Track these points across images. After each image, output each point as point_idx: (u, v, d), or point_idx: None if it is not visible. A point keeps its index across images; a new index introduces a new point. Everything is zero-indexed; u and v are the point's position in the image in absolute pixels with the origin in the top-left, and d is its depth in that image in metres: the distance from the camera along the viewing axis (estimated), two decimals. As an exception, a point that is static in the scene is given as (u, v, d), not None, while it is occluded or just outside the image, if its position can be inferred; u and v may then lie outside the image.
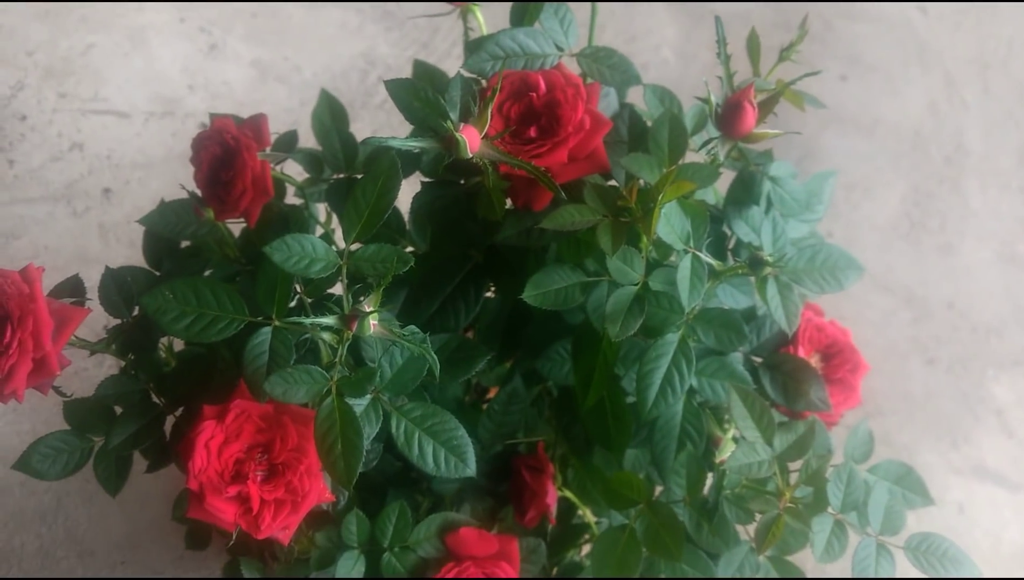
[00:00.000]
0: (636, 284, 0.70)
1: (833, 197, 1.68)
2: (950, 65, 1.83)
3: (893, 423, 1.55)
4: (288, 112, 1.60)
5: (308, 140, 0.93)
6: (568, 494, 0.89)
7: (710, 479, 0.81)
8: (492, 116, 0.66)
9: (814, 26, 1.83)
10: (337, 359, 0.63)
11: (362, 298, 0.61)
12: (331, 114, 0.97)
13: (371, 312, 0.58)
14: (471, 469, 0.67)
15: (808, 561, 0.87)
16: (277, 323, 0.68)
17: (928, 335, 1.62)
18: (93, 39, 1.63)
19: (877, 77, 1.82)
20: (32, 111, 1.56)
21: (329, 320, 0.59)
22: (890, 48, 1.84)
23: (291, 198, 0.92)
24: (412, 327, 0.64)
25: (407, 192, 0.77)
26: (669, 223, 0.67)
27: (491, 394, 1.07)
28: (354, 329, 0.58)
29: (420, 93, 0.69)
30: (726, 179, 0.80)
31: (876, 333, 1.62)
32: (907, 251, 1.68)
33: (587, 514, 0.91)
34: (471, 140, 0.62)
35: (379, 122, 1.64)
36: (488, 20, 0.86)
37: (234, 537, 0.70)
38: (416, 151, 0.79)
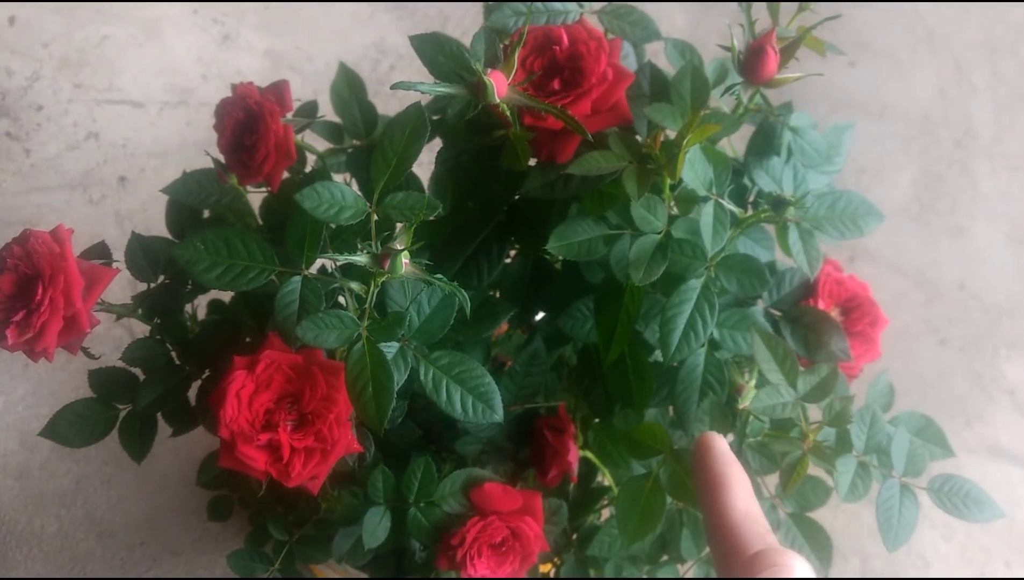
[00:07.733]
0: (659, 232, 0.70)
1: (844, 180, 1.69)
2: (958, 50, 1.84)
3: (906, 403, 1.52)
4: (301, 101, 1.62)
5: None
6: (589, 455, 0.89)
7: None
8: (516, 70, 0.67)
9: (823, 12, 1.84)
10: (368, 304, 0.63)
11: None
12: (349, 85, 0.98)
13: (403, 249, 0.59)
14: (499, 415, 0.68)
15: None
16: (307, 272, 0.69)
17: (940, 316, 1.62)
18: (108, 30, 1.64)
19: (886, 62, 1.82)
20: (48, 101, 1.57)
21: (362, 258, 0.59)
22: (898, 34, 1.85)
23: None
24: (439, 275, 0.65)
25: (424, 172, 0.78)
26: (693, 169, 0.67)
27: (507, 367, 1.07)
28: (387, 267, 0.59)
29: (445, 47, 0.70)
30: (742, 139, 0.81)
31: (888, 315, 1.61)
32: (918, 233, 1.68)
33: (607, 475, 0.91)
34: (499, 85, 0.63)
35: (392, 110, 1.65)
36: None
37: (263, 487, 0.71)
38: (436, 117, 0.80)
